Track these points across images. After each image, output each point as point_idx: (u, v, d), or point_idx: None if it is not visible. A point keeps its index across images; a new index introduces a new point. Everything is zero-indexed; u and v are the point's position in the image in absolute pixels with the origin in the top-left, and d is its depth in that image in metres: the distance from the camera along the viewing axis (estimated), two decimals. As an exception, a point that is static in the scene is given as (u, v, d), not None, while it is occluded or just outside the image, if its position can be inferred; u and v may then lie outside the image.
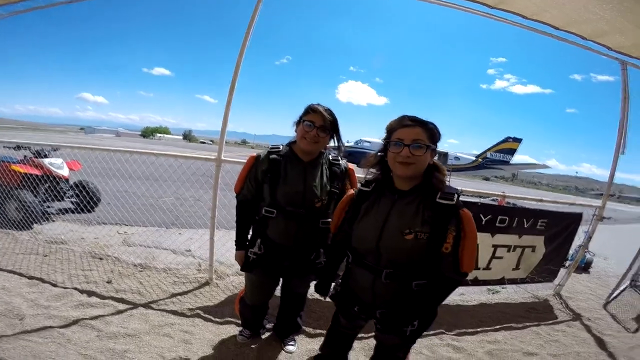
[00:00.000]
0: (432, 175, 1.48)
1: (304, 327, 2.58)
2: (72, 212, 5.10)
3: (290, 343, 2.39)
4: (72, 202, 5.26)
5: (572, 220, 3.67)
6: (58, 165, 5.10)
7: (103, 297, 2.76)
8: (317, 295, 3.06)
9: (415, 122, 1.45)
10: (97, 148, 3.64)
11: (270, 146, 2.04)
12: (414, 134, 1.41)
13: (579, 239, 3.84)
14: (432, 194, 1.43)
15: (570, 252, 3.95)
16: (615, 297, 4.03)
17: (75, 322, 2.39)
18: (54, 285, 2.87)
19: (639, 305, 3.97)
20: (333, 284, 1.80)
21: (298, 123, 1.92)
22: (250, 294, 2.24)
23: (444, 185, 1.45)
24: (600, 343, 2.97)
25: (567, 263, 4.12)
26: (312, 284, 2.05)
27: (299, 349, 2.39)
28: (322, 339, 2.35)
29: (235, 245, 2.10)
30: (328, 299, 1.82)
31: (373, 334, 1.75)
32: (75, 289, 2.85)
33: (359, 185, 1.71)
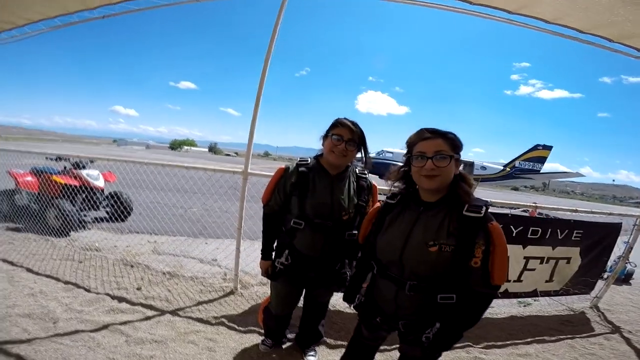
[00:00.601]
0: (458, 186, 1.45)
1: (325, 338, 2.57)
2: (107, 221, 5.34)
3: (311, 353, 2.40)
4: (106, 211, 5.53)
5: (610, 231, 3.51)
6: (95, 177, 5.39)
7: (133, 304, 2.86)
8: (338, 307, 3.08)
9: (434, 133, 1.44)
10: (130, 160, 3.83)
11: (299, 159, 2.07)
12: (435, 145, 1.41)
13: (618, 250, 3.66)
14: (458, 206, 1.40)
15: (610, 263, 3.76)
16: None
17: (105, 326, 2.49)
18: (88, 291, 3.01)
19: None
20: (358, 294, 1.78)
21: (325, 137, 1.95)
22: (275, 304, 2.26)
23: (471, 197, 1.43)
24: (641, 357, 2.80)
25: (606, 275, 3.91)
26: (335, 295, 2.04)
27: (319, 360, 2.39)
28: (343, 350, 2.37)
29: (262, 254, 2.13)
30: (352, 309, 1.82)
31: (396, 346, 1.72)
32: (107, 294, 2.97)
33: (384, 197, 1.71)
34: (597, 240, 3.46)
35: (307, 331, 2.43)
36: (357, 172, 2.05)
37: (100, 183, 5.47)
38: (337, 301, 3.17)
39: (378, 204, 1.72)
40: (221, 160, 46.56)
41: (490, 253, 1.35)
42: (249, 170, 3.08)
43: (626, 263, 4.55)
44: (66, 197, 4.85)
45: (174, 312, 2.80)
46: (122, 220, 5.13)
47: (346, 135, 1.87)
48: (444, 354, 1.57)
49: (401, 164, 1.61)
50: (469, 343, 2.73)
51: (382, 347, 2.35)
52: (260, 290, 3.36)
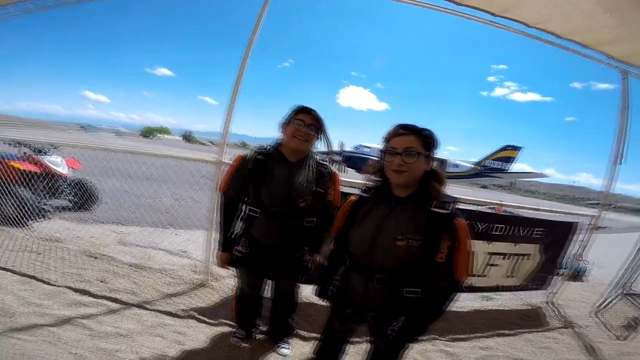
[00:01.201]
0: (428, 183, 1.49)
1: (297, 331, 2.58)
2: (69, 210, 5.07)
3: (284, 346, 2.40)
4: (69, 200, 5.24)
5: (567, 230, 3.71)
6: (57, 163, 5.09)
7: (96, 297, 2.75)
8: (312, 299, 3.09)
9: (408, 130, 1.47)
10: (97, 147, 3.65)
11: (257, 147, 2.08)
12: (406, 142, 1.44)
13: (574, 248, 3.87)
14: (427, 202, 1.44)
15: (565, 260, 3.98)
16: (607, 305, 4.06)
17: (66, 320, 2.38)
18: (47, 284, 2.85)
19: (629, 313, 4.00)
20: (330, 287, 1.80)
21: (286, 123, 1.96)
22: (242, 285, 2.28)
23: (440, 193, 1.46)
24: (591, 351, 3.00)
25: (562, 271, 4.14)
26: (308, 287, 2.05)
27: (293, 352, 2.40)
28: (317, 342, 2.38)
29: (220, 245, 2.11)
30: (325, 302, 1.83)
31: (367, 338, 1.76)
32: (68, 287, 2.83)
33: (359, 191, 1.74)
34: (555, 238, 3.65)
35: (277, 324, 2.43)
36: (318, 159, 2.07)
37: (63, 170, 5.15)
38: (310, 293, 3.15)
39: (352, 198, 1.73)
40: (196, 149, 45.38)
41: (455, 249, 1.40)
42: (224, 160, 3.01)
43: (580, 260, 4.83)
44: (25, 184, 4.55)
45: (140, 305, 2.71)
46: (86, 210, 4.88)
47: (307, 120, 1.91)
48: (411, 346, 1.61)
49: (377, 158, 1.63)
50: (435, 336, 2.82)
51: (354, 339, 2.39)
52: (231, 282, 3.29)
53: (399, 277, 1.49)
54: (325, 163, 2.08)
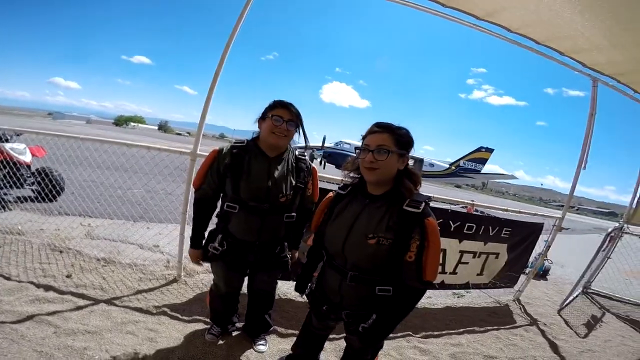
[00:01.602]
0: (401, 182, 1.50)
1: (275, 327, 2.55)
2: (32, 201, 4.80)
3: (261, 342, 2.36)
4: (32, 189, 4.96)
5: (533, 230, 3.86)
6: (20, 151, 4.80)
7: (62, 292, 2.61)
8: (290, 295, 3.08)
9: (383, 128, 1.49)
10: (64, 135, 3.43)
11: (234, 140, 2.01)
12: (380, 139, 1.46)
13: (539, 248, 4.04)
14: (400, 200, 1.46)
15: (531, 259, 4.15)
16: (569, 303, 4.27)
17: (29, 317, 2.24)
18: (7, 279, 2.68)
19: (589, 311, 4.24)
20: (309, 283, 1.81)
21: (263, 119, 1.92)
22: (218, 284, 2.20)
23: (412, 192, 1.48)
24: (554, 347, 3.14)
25: (527, 270, 4.32)
26: (284, 284, 2.03)
27: (270, 349, 2.37)
28: (294, 338, 2.32)
29: (191, 242, 2.04)
30: (304, 298, 1.83)
31: (343, 335, 1.77)
32: (31, 283, 2.68)
33: (336, 188, 1.75)
34: (522, 238, 3.79)
35: (254, 321, 2.39)
36: (297, 154, 2.04)
37: (26, 158, 4.86)
38: (288, 290, 3.17)
39: (331, 194, 1.73)
40: (171, 139, 44.10)
41: (425, 248, 1.40)
42: (199, 152, 2.90)
43: (544, 260, 5.06)
44: (-18, 172, 4.27)
45: (109, 302, 2.60)
46: (51, 200, 4.63)
47: (286, 115, 1.87)
48: (386, 342, 1.62)
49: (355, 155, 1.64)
50: (409, 332, 2.87)
51: (332, 336, 2.40)
52: (206, 277, 3.24)
53: (371, 275, 1.50)
54: (304, 158, 2.05)
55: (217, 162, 1.93)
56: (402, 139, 1.48)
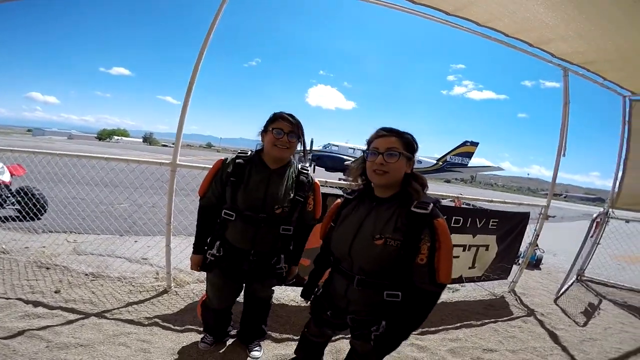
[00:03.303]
0: (409, 184, 1.51)
1: (269, 333, 2.54)
2: (15, 220, 4.68)
3: (256, 349, 2.35)
4: (14, 209, 4.83)
5: (520, 220, 3.87)
6: (-2, 171, 4.66)
7: (51, 308, 2.58)
8: (282, 300, 3.04)
9: (390, 132, 1.51)
10: (42, 152, 3.34)
11: (239, 151, 2.06)
12: (389, 142, 1.47)
13: (528, 237, 4.05)
14: (408, 202, 1.45)
15: (521, 249, 4.16)
16: (564, 291, 4.30)
17: (21, 332, 2.23)
18: (-5, 296, 2.63)
19: (586, 298, 4.26)
20: (315, 289, 1.80)
21: (265, 132, 1.96)
22: (212, 297, 2.20)
23: (420, 194, 1.47)
24: (554, 337, 3.13)
25: (519, 260, 4.33)
26: (277, 289, 2.00)
27: (265, 355, 2.35)
28: (289, 343, 2.36)
29: (193, 248, 2.08)
30: (298, 302, 1.80)
31: (341, 338, 1.73)
32: (20, 299, 2.65)
33: (344, 193, 1.77)
34: (509, 228, 3.80)
35: (248, 329, 2.37)
36: (299, 168, 2.07)
37: (5, 177, 4.74)
38: (280, 294, 3.15)
39: (339, 201, 1.74)
40: (157, 151, 43.57)
41: (436, 250, 1.38)
42: (178, 162, 2.87)
43: (535, 249, 5.09)
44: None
45: (100, 315, 2.56)
46: (34, 219, 4.50)
47: (286, 128, 1.90)
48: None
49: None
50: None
51: (335, 339, 2.36)
52: (196, 287, 3.20)
53: (379, 278, 1.47)
54: (306, 171, 2.08)
55: (221, 171, 1.99)
56: (409, 143, 1.51)
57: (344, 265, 1.57)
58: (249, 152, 2.03)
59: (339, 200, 1.75)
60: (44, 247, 3.80)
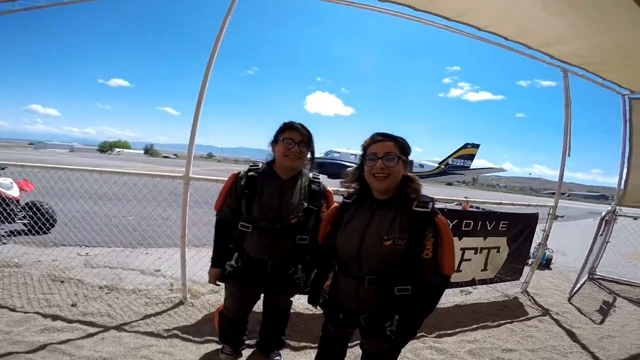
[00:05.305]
0: (406, 186, 1.57)
1: (288, 342, 2.55)
2: (25, 234, 4.74)
3: (276, 358, 2.36)
4: (24, 224, 4.88)
5: (529, 221, 3.90)
6: (7, 186, 4.73)
7: (70, 321, 2.60)
8: (298, 309, 3.04)
9: (386, 137, 1.58)
10: (51, 166, 3.38)
11: (250, 163, 2.10)
12: (386, 147, 1.54)
13: (538, 238, 4.07)
14: (408, 202, 1.52)
15: (532, 250, 4.17)
16: (577, 290, 4.28)
17: (42, 347, 2.24)
18: (13, 310, 2.66)
19: (599, 296, 4.25)
20: (322, 294, 1.82)
21: (275, 142, 1.98)
22: (229, 306, 2.22)
23: (419, 193, 1.55)
24: (572, 336, 3.13)
25: (530, 261, 4.33)
26: (298, 298, 2.01)
27: (285, 363, 2.36)
28: (307, 351, 2.37)
29: (212, 261, 2.08)
30: (313, 309, 1.82)
31: (357, 342, 1.74)
32: (37, 313, 2.66)
33: (341, 197, 1.79)
34: (519, 229, 3.82)
35: (268, 339, 2.39)
36: (311, 176, 2.09)
37: (14, 193, 4.79)
38: (295, 303, 3.12)
39: (336, 204, 1.79)
40: (159, 162, 43.69)
41: (439, 245, 1.47)
42: (191, 175, 2.89)
43: (545, 249, 5.08)
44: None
45: (119, 328, 2.58)
46: (44, 233, 4.54)
47: (297, 137, 1.92)
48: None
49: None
50: (423, 333, 2.86)
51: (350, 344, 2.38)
52: (212, 298, 3.21)
53: (389, 276, 1.53)
54: (318, 180, 2.09)
55: (235, 185, 2.02)
56: (404, 146, 1.57)
57: (352, 268, 1.60)
58: (260, 165, 2.06)
59: (336, 205, 1.80)
60: (55, 260, 3.84)
